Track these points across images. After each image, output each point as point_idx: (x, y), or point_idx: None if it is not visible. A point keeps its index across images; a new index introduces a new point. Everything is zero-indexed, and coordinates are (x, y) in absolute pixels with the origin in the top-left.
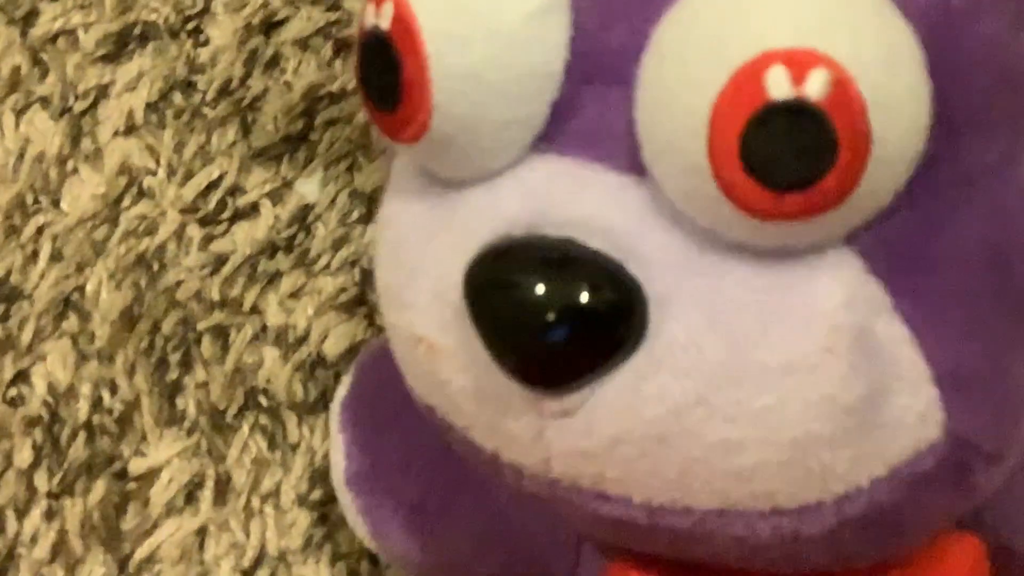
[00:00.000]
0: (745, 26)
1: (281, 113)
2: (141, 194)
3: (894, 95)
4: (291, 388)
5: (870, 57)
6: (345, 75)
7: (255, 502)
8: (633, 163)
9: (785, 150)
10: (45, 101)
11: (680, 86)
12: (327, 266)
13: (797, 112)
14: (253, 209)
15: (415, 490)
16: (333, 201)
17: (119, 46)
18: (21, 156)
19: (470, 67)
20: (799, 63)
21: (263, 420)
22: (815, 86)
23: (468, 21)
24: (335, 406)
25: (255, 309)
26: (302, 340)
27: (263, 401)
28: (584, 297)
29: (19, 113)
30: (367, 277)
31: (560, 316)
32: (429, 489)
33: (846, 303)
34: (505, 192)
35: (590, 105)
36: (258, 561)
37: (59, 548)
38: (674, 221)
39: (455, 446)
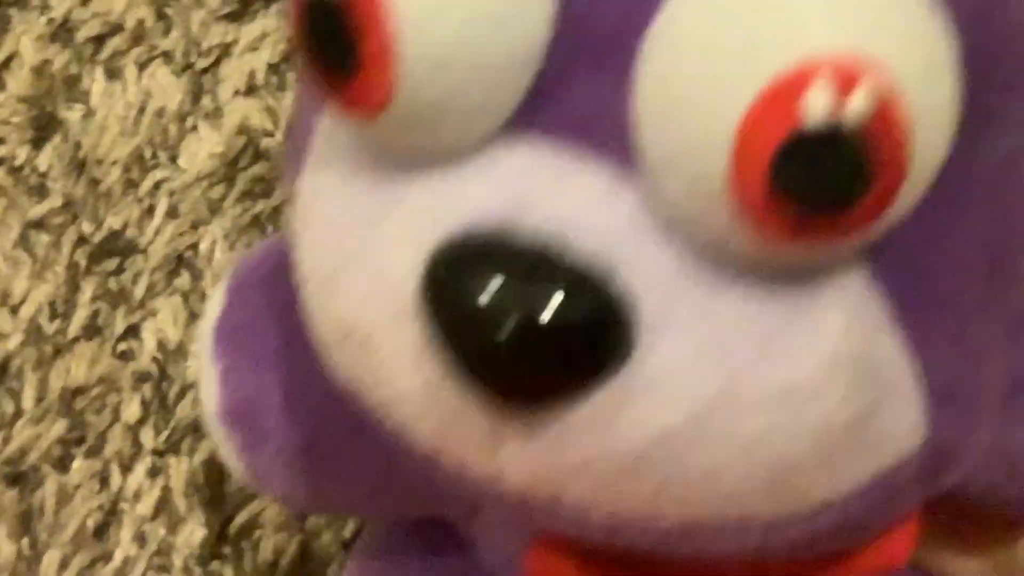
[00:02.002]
0: (781, 30)
1: None
2: (258, 156)
3: (935, 110)
4: None
5: (917, 72)
6: None
7: None
8: (625, 158)
9: (818, 177)
10: (168, 56)
11: (699, 93)
12: None
13: (836, 137)
14: None
15: (303, 432)
16: None
17: (244, 5)
18: (142, 110)
19: (444, 47)
20: (843, 80)
21: None
22: (859, 110)
23: None
24: (206, 329)
25: None
26: None
27: None
28: (562, 308)
29: (142, 67)
30: None
31: (532, 328)
32: (319, 431)
33: (848, 326)
34: (473, 179)
35: (577, 89)
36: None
37: (162, 506)
38: (670, 230)
39: (379, 430)
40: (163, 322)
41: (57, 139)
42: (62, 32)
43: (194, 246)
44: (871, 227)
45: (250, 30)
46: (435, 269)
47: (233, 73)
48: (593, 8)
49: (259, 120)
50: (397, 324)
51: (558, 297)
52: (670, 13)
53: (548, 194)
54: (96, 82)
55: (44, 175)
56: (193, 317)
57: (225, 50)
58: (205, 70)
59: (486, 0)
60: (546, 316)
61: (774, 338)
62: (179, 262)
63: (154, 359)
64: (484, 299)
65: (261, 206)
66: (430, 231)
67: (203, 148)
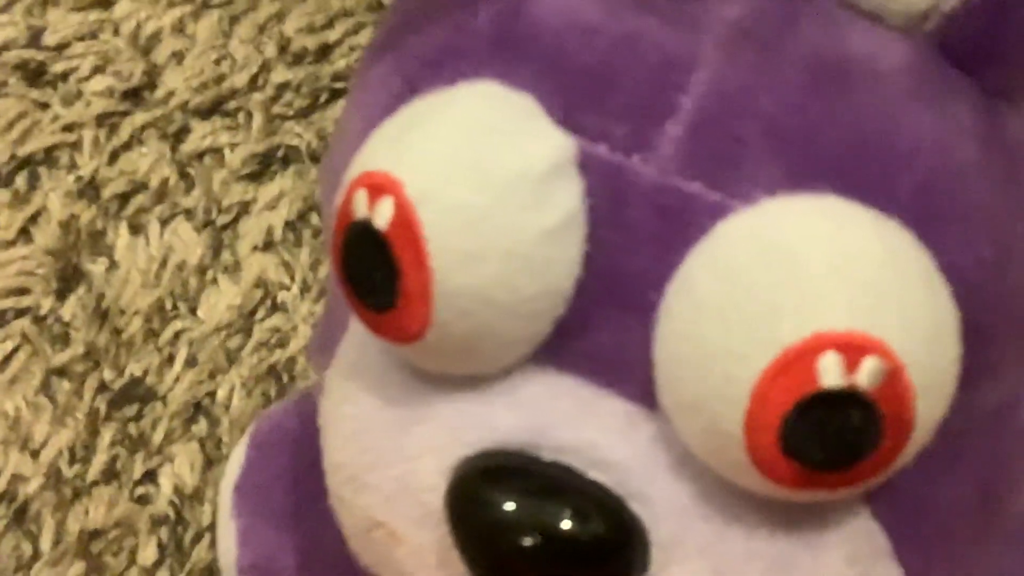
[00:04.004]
0: (798, 302)
1: None
2: (275, 308)
3: (938, 376)
4: None
5: (920, 342)
6: None
7: None
8: (643, 394)
9: (829, 435)
10: (189, 213)
11: (720, 350)
12: None
13: (846, 400)
14: None
15: None
16: None
17: (263, 166)
18: (164, 263)
19: (479, 287)
20: (853, 350)
21: None
22: (867, 376)
23: (481, 239)
24: (226, 488)
25: None
26: None
27: None
28: (576, 526)
29: (164, 223)
30: None
31: (549, 540)
32: None
33: (851, 557)
34: (499, 403)
35: (601, 327)
36: None
37: None
38: (683, 462)
39: None
40: (180, 467)
41: (81, 290)
42: (89, 189)
43: (212, 394)
44: (875, 479)
45: (268, 190)
46: (462, 480)
47: (252, 229)
48: (617, 259)
49: (276, 274)
50: (422, 525)
51: (573, 515)
52: (687, 273)
53: (569, 422)
54: (120, 237)
55: (67, 324)
56: (209, 463)
57: (244, 208)
58: (225, 226)
59: (521, 243)
60: (562, 530)
61: (779, 566)
62: (197, 409)
63: (171, 503)
64: (507, 510)
65: (277, 356)
66: (457, 446)
67: (222, 300)
